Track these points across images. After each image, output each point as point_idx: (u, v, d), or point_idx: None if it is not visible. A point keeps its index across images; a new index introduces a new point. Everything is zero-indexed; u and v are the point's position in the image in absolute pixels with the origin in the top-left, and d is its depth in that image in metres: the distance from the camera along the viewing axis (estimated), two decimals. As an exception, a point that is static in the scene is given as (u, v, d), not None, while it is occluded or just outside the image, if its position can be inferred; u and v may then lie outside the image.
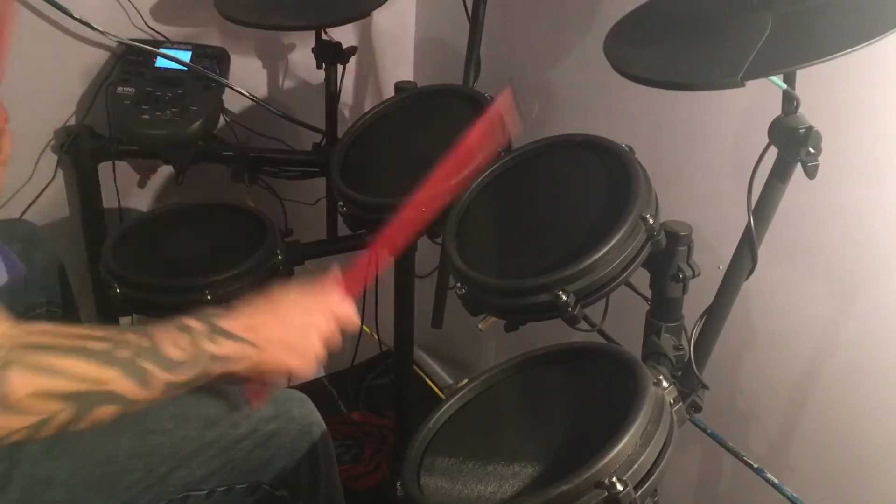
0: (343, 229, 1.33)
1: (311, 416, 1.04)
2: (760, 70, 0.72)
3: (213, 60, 1.53)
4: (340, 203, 1.22)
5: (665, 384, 0.80)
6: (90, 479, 0.91)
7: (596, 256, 0.85)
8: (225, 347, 0.80)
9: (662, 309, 1.01)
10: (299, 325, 0.86)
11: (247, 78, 1.65)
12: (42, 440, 0.88)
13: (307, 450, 1.02)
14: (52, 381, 0.67)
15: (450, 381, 2.09)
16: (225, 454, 0.97)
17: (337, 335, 0.90)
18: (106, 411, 0.71)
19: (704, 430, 1.12)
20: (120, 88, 1.46)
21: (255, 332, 0.83)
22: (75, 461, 0.91)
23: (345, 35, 1.71)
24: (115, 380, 0.71)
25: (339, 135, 1.53)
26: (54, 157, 1.55)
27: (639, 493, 0.71)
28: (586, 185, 1.00)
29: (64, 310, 1.27)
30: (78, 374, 0.68)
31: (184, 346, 0.77)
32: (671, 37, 0.90)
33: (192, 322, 0.79)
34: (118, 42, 1.51)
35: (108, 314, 1.60)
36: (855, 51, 0.68)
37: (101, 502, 0.92)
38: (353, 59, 1.60)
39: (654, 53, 0.89)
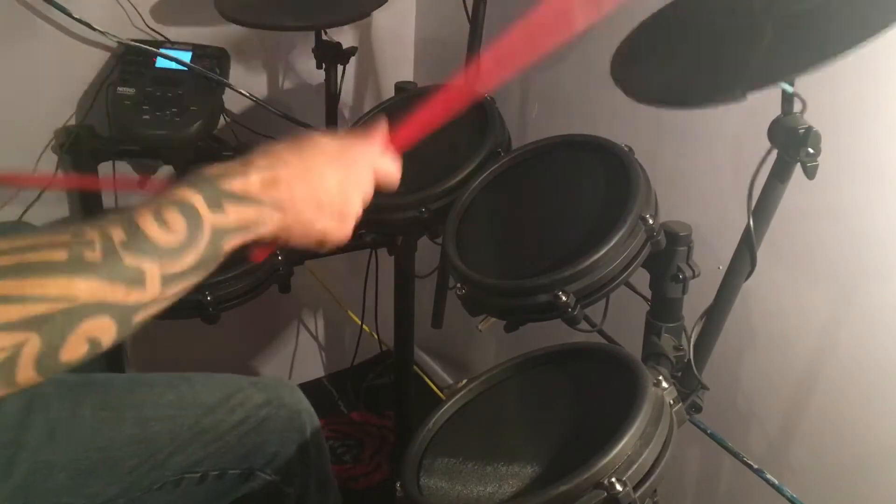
0: (343, 229, 1.33)
1: (300, 403, 1.07)
2: (762, 80, 0.72)
3: (213, 60, 1.53)
4: (340, 203, 1.22)
5: (665, 385, 0.80)
6: (91, 464, 0.93)
7: (596, 257, 0.85)
8: (234, 215, 0.64)
9: (662, 309, 1.01)
10: (334, 180, 0.70)
11: (247, 78, 1.66)
12: (44, 426, 0.90)
13: (297, 436, 1.05)
14: (2, 309, 0.53)
15: (450, 381, 2.09)
16: (220, 439, 1.00)
17: (371, 193, 0.75)
18: (96, 329, 0.57)
19: (704, 431, 1.12)
20: (120, 88, 1.46)
21: (276, 189, 0.66)
22: (77, 447, 0.92)
23: (345, 35, 1.71)
24: (87, 288, 0.55)
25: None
26: (54, 157, 1.55)
27: (638, 493, 0.71)
28: (586, 185, 1.00)
29: None
30: (35, 295, 0.54)
31: (177, 226, 0.60)
32: (674, 53, 0.89)
33: (187, 192, 0.62)
34: (118, 42, 1.51)
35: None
36: (854, 51, 0.68)
37: (100, 486, 0.93)
38: (353, 60, 1.60)
39: (659, 73, 0.89)
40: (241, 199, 0.64)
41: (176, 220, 0.60)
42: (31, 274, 0.54)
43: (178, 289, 0.61)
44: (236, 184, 0.64)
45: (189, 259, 0.61)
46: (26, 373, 0.54)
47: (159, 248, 0.59)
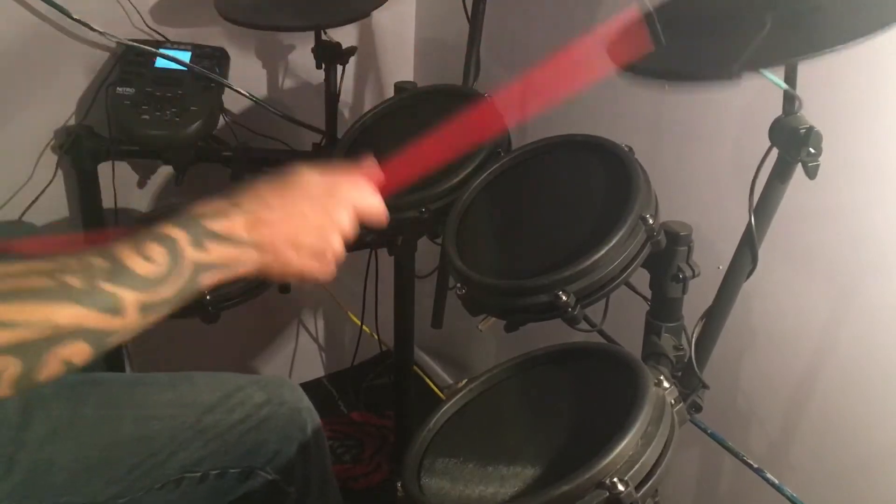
0: (343, 229, 1.33)
1: (301, 401, 1.08)
2: (756, 63, 0.72)
3: (212, 60, 1.53)
4: (340, 203, 1.22)
5: (666, 384, 0.80)
6: (91, 463, 0.93)
7: (596, 256, 0.85)
8: (215, 253, 0.67)
9: (662, 309, 1.01)
10: (315, 220, 0.74)
11: (247, 78, 1.65)
12: (44, 424, 0.90)
13: (298, 434, 1.05)
14: None
15: (450, 381, 2.09)
16: (220, 438, 1.00)
17: (354, 230, 0.77)
18: (72, 352, 0.60)
19: (705, 431, 1.12)
20: (120, 89, 1.46)
21: (257, 231, 0.70)
22: (77, 446, 0.93)
23: (345, 35, 1.70)
24: (68, 315, 0.58)
25: (339, 135, 1.53)
26: (54, 158, 1.55)
27: (640, 493, 0.71)
28: (586, 185, 1.00)
29: None
30: (14, 320, 0.57)
31: (159, 259, 0.64)
32: (670, 32, 0.89)
33: (172, 230, 0.66)
34: (118, 42, 1.51)
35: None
36: (852, 46, 0.68)
37: (101, 485, 0.93)
38: (352, 60, 1.60)
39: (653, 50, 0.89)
40: (223, 239, 0.68)
41: (158, 253, 0.64)
42: (16, 300, 0.57)
43: (153, 317, 0.64)
44: (219, 225, 0.68)
45: (168, 291, 0.64)
46: (2, 391, 0.57)
47: (139, 278, 0.62)
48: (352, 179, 0.79)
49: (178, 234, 0.66)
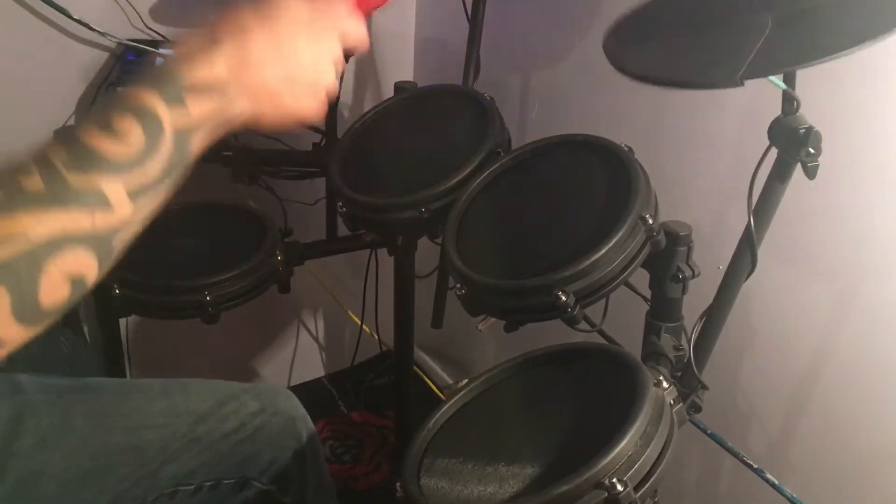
0: (343, 229, 1.33)
1: (295, 410, 1.06)
2: (760, 70, 0.72)
3: (212, 60, 1.52)
4: (340, 203, 1.22)
5: (665, 385, 0.80)
6: (82, 472, 0.91)
7: (595, 257, 0.85)
8: (198, 110, 0.57)
9: (662, 309, 1.01)
10: (308, 51, 0.63)
11: (246, 78, 1.65)
12: (34, 434, 0.89)
13: (292, 443, 1.04)
14: None
15: (450, 381, 2.09)
16: (213, 448, 0.98)
17: (342, 60, 0.67)
18: (69, 264, 0.50)
19: (704, 431, 1.12)
20: (119, 89, 1.46)
21: (245, 71, 0.59)
22: (67, 455, 0.91)
23: (344, 35, 1.70)
24: (38, 222, 0.48)
25: (339, 135, 1.53)
26: (54, 158, 1.55)
27: (639, 493, 0.71)
28: (586, 185, 1.00)
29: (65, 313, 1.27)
30: None
31: (132, 133, 0.53)
32: (671, 35, 0.89)
33: (143, 93, 0.55)
34: (117, 42, 1.51)
35: (107, 315, 1.60)
36: (855, 51, 0.68)
37: (92, 496, 0.92)
38: (352, 59, 1.61)
39: (654, 52, 0.89)
40: (205, 89, 0.57)
41: (130, 127, 0.53)
42: None
43: (151, 203, 0.55)
44: (200, 72, 0.57)
45: (156, 168, 0.54)
46: (9, 328, 0.49)
47: (114, 161, 0.52)
48: (335, 3, 0.68)
49: (152, 97, 0.55)
